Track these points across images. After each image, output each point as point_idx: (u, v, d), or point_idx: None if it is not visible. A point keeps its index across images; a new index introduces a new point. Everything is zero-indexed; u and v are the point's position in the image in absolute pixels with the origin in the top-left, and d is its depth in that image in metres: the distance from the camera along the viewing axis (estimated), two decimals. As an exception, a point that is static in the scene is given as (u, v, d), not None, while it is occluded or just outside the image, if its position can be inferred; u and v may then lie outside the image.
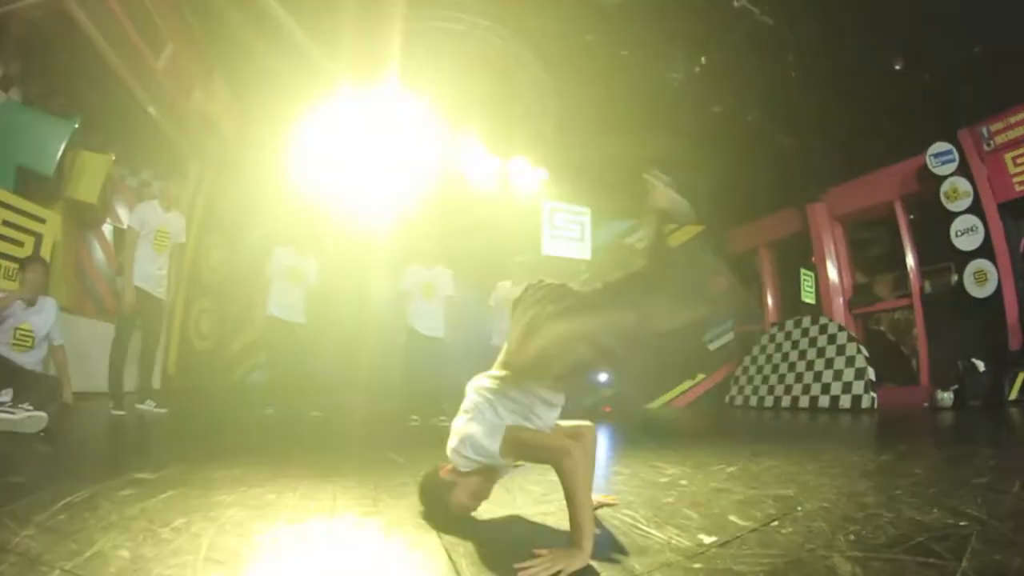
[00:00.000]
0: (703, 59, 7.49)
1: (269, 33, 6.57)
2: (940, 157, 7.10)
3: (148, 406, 4.67)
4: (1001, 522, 1.64)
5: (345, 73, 7.41)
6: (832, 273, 8.34)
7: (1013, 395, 6.05)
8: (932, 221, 7.27)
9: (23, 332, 3.99)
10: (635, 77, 7.72)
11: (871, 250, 8.55)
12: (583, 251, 9.40)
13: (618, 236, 9.76)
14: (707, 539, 1.57)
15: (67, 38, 4.50)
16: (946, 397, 6.51)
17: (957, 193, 6.97)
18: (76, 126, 4.85)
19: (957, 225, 6.95)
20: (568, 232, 9.40)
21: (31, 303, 4.01)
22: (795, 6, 6.72)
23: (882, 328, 8.27)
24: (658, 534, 1.64)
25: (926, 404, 6.75)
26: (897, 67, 7.07)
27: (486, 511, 1.85)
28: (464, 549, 1.46)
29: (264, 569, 1.36)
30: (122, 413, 4.40)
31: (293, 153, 7.78)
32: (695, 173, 9.11)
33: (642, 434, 5.45)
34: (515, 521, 1.84)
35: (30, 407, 3.33)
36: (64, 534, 1.49)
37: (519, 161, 9.04)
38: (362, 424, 5.47)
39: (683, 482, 2.47)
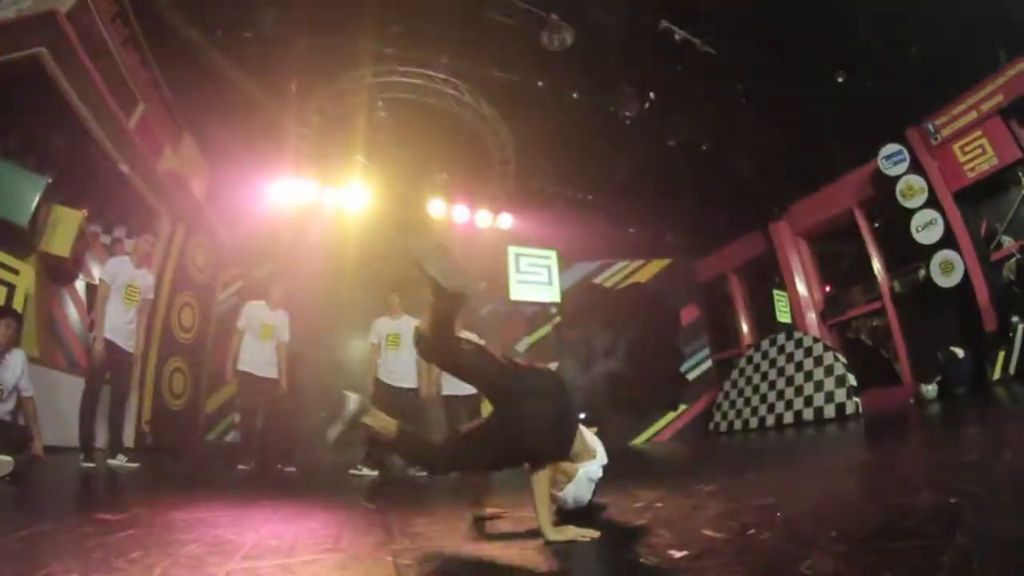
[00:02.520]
0: (652, 94, 8.14)
1: (237, 96, 7.18)
2: (892, 158, 7.60)
3: (120, 460, 4.75)
4: (995, 491, 1.66)
5: (310, 133, 8.00)
6: (802, 289, 8.75)
7: (996, 374, 6.31)
8: (897, 225, 7.67)
9: None
10: (588, 118, 8.34)
11: (842, 262, 9.00)
12: (552, 294, 9.75)
13: (587, 276, 10.19)
14: (677, 554, 1.53)
15: (43, 95, 4.90)
16: (930, 389, 6.79)
17: (912, 190, 7.43)
18: (49, 181, 5.19)
19: (917, 220, 7.36)
20: (535, 276, 9.80)
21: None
22: (734, 33, 7.35)
23: (861, 336, 8.59)
24: (626, 555, 1.64)
25: (912, 400, 7.00)
26: (840, 79, 7.71)
27: (451, 546, 1.96)
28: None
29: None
30: (92, 465, 4.47)
31: (261, 211, 8.23)
32: (656, 205, 9.80)
33: (621, 467, 5.52)
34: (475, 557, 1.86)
35: None
36: (18, 558, 1.61)
37: (482, 210, 9.55)
38: (336, 477, 5.51)
39: (658, 504, 2.47)
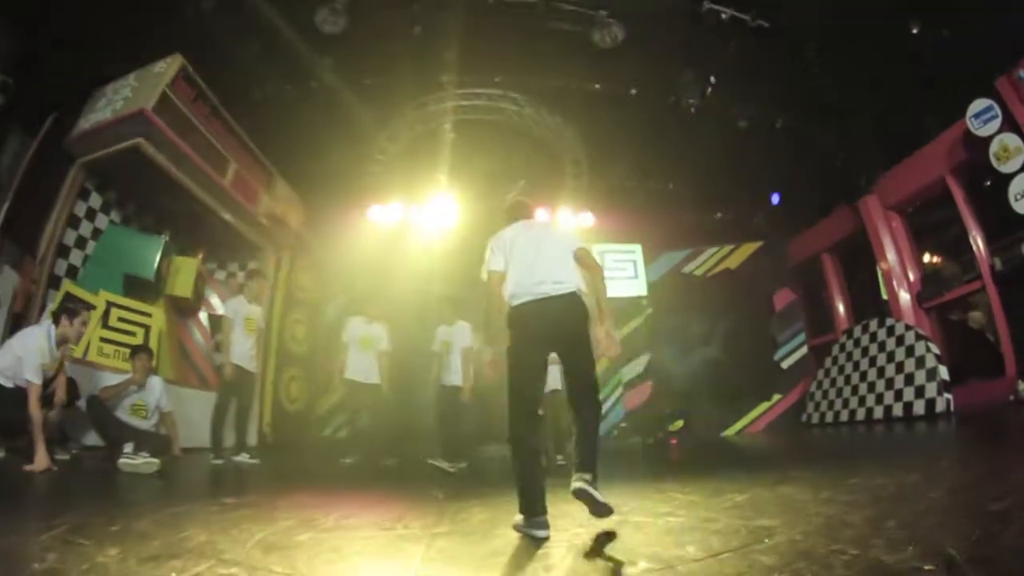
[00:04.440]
0: (712, 78, 7.95)
1: (319, 137, 8.40)
2: (981, 116, 6.66)
3: (243, 457, 6.03)
4: (975, 566, 1.48)
5: (388, 160, 9.04)
6: (895, 268, 8.04)
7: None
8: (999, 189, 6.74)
9: (138, 406, 5.57)
10: (651, 111, 8.36)
11: (941, 237, 8.07)
12: (639, 288, 9.88)
13: (676, 266, 10.17)
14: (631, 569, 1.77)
15: (149, 171, 6.33)
16: None
17: (1007, 151, 6.46)
18: (166, 238, 6.76)
19: (1015, 188, 6.38)
20: (621, 271, 9.98)
21: (141, 386, 5.58)
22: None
23: (967, 316, 7.69)
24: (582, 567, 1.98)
25: (1012, 397, 6.32)
26: (914, 31, 6.95)
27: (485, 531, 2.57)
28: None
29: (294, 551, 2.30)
30: (220, 462, 5.75)
31: (355, 232, 9.49)
32: (740, 188, 9.47)
33: (693, 463, 5.85)
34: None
35: (146, 455, 4.76)
36: (167, 526, 2.61)
37: (563, 211, 9.88)
38: (423, 469, 6.33)
39: (681, 512, 2.75)
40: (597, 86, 8.24)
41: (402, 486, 4.69)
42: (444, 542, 2.43)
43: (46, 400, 4.55)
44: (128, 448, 4.91)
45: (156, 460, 4.77)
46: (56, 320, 4.78)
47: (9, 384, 4.41)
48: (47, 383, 4.58)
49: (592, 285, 2.92)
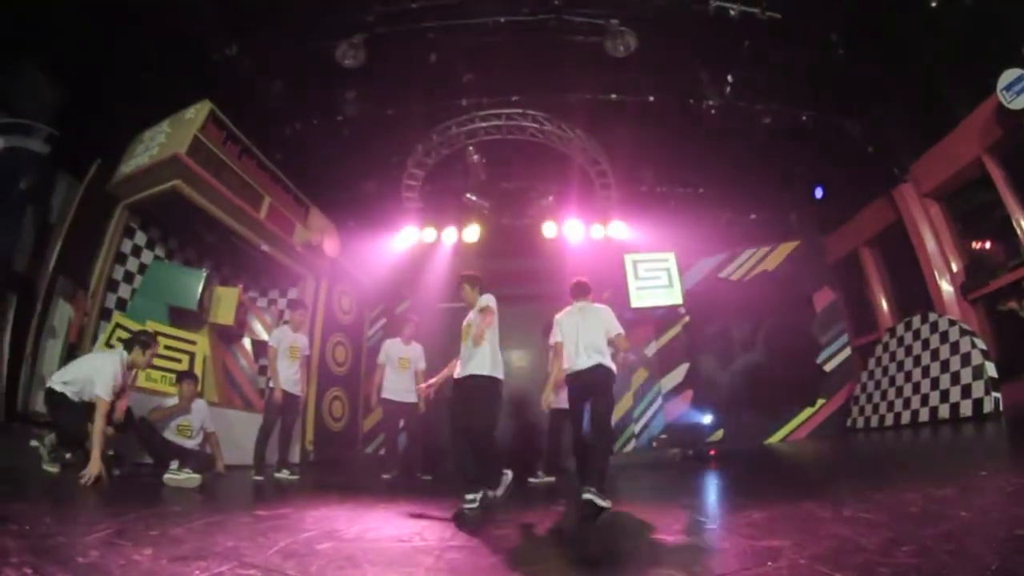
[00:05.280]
0: (729, 77, 7.95)
1: (349, 166, 8.80)
2: (1013, 88, 6.26)
3: (284, 474, 6.45)
4: None
5: (417, 184, 9.36)
6: (936, 258, 7.77)
7: None
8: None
9: (183, 426, 6.05)
10: (674, 116, 8.40)
11: (984, 223, 7.71)
12: (673, 297, 9.79)
13: (712, 272, 10.11)
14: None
15: (187, 210, 6.85)
16: None
17: None
18: (206, 272, 7.27)
19: None
20: (655, 280, 9.92)
21: (187, 410, 6.07)
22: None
23: (1014, 307, 7.31)
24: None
25: None
26: (933, 3, 6.73)
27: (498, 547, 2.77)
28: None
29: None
30: (260, 478, 6.13)
31: (391, 255, 9.86)
32: (773, 187, 9.36)
33: (725, 476, 5.90)
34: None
35: (189, 471, 5.17)
36: (198, 533, 2.93)
37: (594, 224, 9.98)
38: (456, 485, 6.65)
39: (692, 531, 2.87)
40: (614, 96, 8.32)
41: (430, 501, 4.86)
42: (455, 555, 2.66)
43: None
44: (173, 465, 5.36)
45: (198, 475, 5.20)
46: (129, 348, 5.34)
47: (76, 399, 4.89)
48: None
49: (615, 352, 4.62)
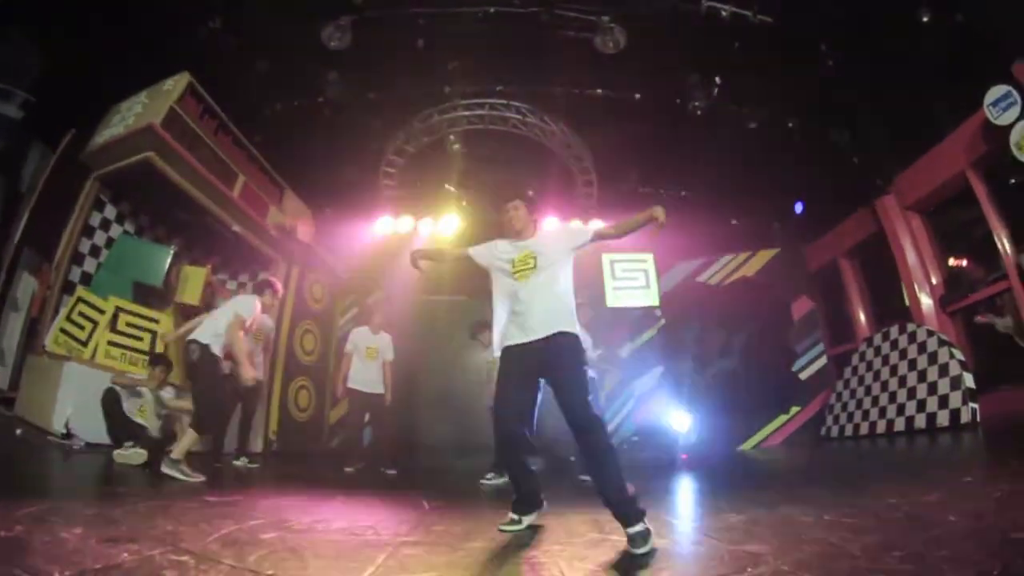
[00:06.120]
0: (717, 79, 7.90)
1: (327, 150, 8.60)
2: (1000, 104, 6.27)
3: (243, 462, 6.28)
4: None
5: (396, 172, 9.20)
6: (916, 271, 7.80)
7: None
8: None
9: (143, 410, 5.92)
10: (659, 117, 8.34)
11: (964, 237, 7.78)
12: (650, 298, 9.77)
13: (690, 275, 10.07)
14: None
15: (159, 182, 6.63)
16: None
17: None
18: (175, 249, 7.07)
19: None
20: (632, 281, 9.91)
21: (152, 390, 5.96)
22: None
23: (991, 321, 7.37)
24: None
25: None
26: (924, 18, 6.75)
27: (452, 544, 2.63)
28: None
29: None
30: (219, 465, 5.95)
31: (366, 244, 9.67)
32: (756, 193, 9.34)
33: (699, 479, 5.82)
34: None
35: (136, 447, 5.17)
36: (140, 516, 2.83)
37: (574, 220, 9.80)
38: (424, 480, 6.51)
39: (666, 534, 2.70)
40: (600, 91, 8.23)
41: (393, 495, 4.72)
42: (409, 551, 2.50)
43: None
44: (128, 444, 5.29)
45: (144, 451, 5.15)
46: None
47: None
48: None
49: None
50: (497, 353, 3.19)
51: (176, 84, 6.55)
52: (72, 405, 5.68)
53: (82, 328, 6.28)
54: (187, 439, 4.81)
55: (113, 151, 6.48)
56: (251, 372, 5.33)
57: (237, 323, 5.17)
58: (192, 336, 5.25)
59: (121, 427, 5.60)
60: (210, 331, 5.16)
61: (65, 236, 6.41)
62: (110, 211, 6.97)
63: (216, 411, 5.37)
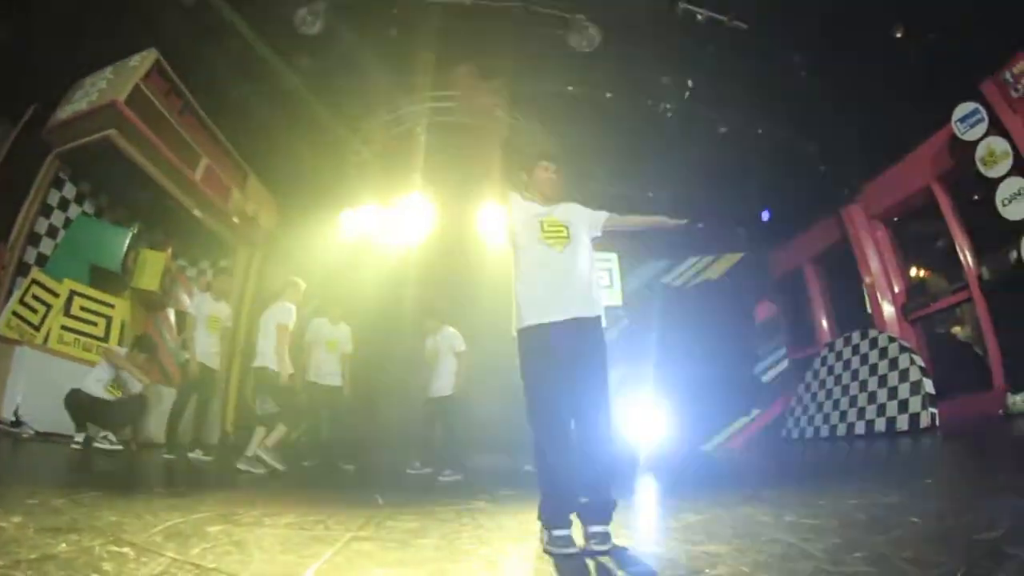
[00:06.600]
0: (689, 82, 7.96)
1: (293, 137, 8.43)
2: (967, 120, 6.59)
3: (197, 454, 6.15)
4: None
5: (362, 162, 9.07)
6: (879, 279, 8.02)
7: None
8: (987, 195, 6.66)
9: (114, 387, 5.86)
10: (629, 117, 8.35)
11: (928, 247, 8.03)
12: (613, 297, 9.71)
13: (654, 276, 10.12)
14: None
15: (120, 163, 6.47)
16: (1019, 400, 6.03)
17: (994, 156, 6.36)
18: (134, 232, 6.85)
19: (1002, 192, 6.27)
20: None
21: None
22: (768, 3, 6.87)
23: (954, 330, 7.65)
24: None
25: (1001, 412, 6.20)
26: (898, 35, 6.93)
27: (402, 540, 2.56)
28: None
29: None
30: (172, 457, 5.86)
31: (330, 234, 9.52)
32: (723, 197, 9.45)
33: (659, 479, 5.84)
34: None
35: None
36: (83, 505, 2.75)
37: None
38: (380, 475, 6.48)
39: (622, 531, 2.56)
40: (571, 89, 8.21)
41: (348, 490, 4.67)
42: (360, 546, 2.44)
43: None
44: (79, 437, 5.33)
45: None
46: None
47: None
48: None
49: None
50: (527, 323, 2.76)
51: (143, 61, 6.41)
52: (22, 392, 5.48)
53: (35, 312, 6.10)
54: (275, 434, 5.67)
55: (74, 127, 6.29)
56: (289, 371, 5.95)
57: (283, 332, 5.92)
58: (262, 365, 5.93)
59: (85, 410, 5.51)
60: (269, 353, 5.88)
61: (21, 215, 6.19)
62: (69, 190, 6.75)
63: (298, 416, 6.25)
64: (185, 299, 7.95)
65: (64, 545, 2.02)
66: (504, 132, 8.42)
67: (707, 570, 1.86)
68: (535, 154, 3.18)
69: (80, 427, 5.42)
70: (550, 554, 2.29)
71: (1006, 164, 6.31)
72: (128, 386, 5.94)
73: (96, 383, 5.68)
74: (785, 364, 9.33)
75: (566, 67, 7.87)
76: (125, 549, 2.08)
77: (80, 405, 5.48)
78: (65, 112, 6.31)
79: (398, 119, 8.53)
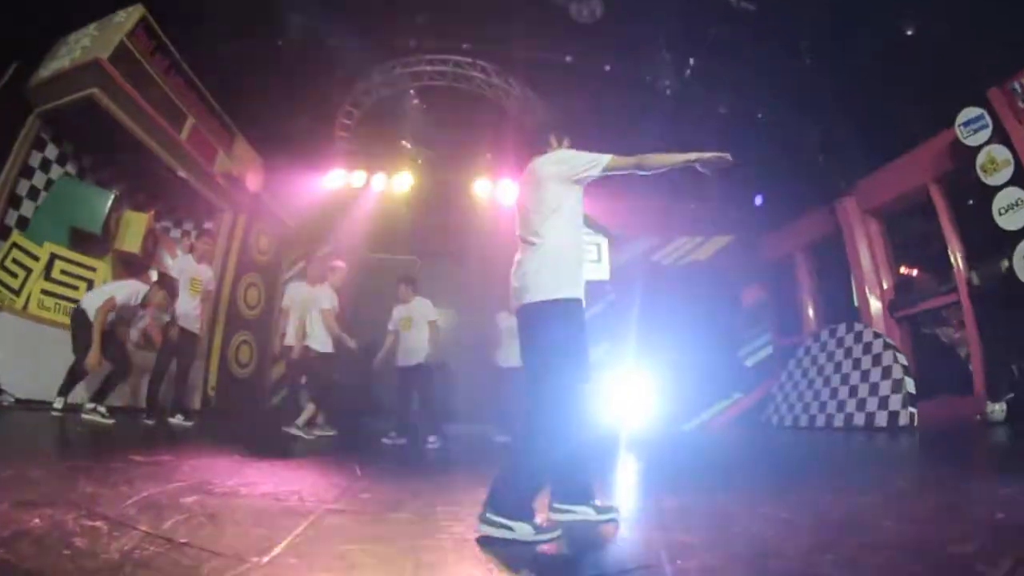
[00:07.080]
0: (691, 60, 7.89)
1: (282, 98, 8.30)
2: (971, 125, 6.60)
3: (178, 419, 6.11)
4: None
5: (352, 124, 8.96)
6: (869, 273, 8.10)
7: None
8: (979, 205, 6.76)
9: None
10: (627, 92, 8.30)
11: (919, 246, 8.10)
12: (601, 272, 9.75)
13: (643, 254, 10.13)
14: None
15: (104, 123, 6.32)
16: (997, 410, 6.17)
17: (995, 164, 6.43)
18: (116, 193, 6.77)
19: (999, 201, 6.36)
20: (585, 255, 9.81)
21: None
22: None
23: (937, 331, 7.76)
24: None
25: (978, 417, 6.36)
26: (909, 32, 6.92)
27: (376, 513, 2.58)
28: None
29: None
30: (152, 423, 5.82)
31: (318, 196, 9.45)
32: (717, 179, 9.40)
33: (638, 460, 5.82)
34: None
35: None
36: (60, 479, 2.74)
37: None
38: (363, 443, 6.54)
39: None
40: (569, 59, 8.12)
41: (327, 460, 4.69)
42: (333, 519, 2.46)
43: None
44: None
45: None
46: None
47: None
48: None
49: None
50: (571, 295, 2.53)
51: (129, 17, 6.23)
52: (1, 358, 5.37)
53: (15, 276, 6.00)
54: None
55: (57, 86, 6.13)
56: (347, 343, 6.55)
57: (330, 315, 6.42)
58: (312, 346, 6.45)
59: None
60: (321, 337, 6.41)
61: (2, 177, 6.02)
62: (51, 151, 6.56)
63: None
64: (168, 261, 7.89)
65: (37, 520, 2.02)
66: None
67: (679, 561, 1.88)
68: (561, 126, 2.98)
69: (77, 349, 5.34)
70: (537, 543, 2.21)
71: (1006, 173, 6.39)
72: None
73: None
74: (769, 350, 9.45)
75: (566, 38, 7.80)
76: (98, 523, 2.08)
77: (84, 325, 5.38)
78: (48, 70, 6.16)
79: (390, 80, 8.42)
